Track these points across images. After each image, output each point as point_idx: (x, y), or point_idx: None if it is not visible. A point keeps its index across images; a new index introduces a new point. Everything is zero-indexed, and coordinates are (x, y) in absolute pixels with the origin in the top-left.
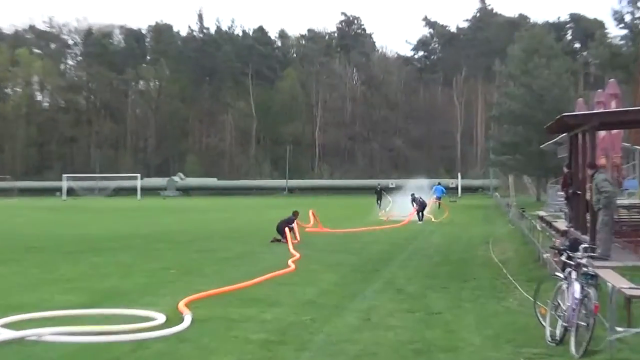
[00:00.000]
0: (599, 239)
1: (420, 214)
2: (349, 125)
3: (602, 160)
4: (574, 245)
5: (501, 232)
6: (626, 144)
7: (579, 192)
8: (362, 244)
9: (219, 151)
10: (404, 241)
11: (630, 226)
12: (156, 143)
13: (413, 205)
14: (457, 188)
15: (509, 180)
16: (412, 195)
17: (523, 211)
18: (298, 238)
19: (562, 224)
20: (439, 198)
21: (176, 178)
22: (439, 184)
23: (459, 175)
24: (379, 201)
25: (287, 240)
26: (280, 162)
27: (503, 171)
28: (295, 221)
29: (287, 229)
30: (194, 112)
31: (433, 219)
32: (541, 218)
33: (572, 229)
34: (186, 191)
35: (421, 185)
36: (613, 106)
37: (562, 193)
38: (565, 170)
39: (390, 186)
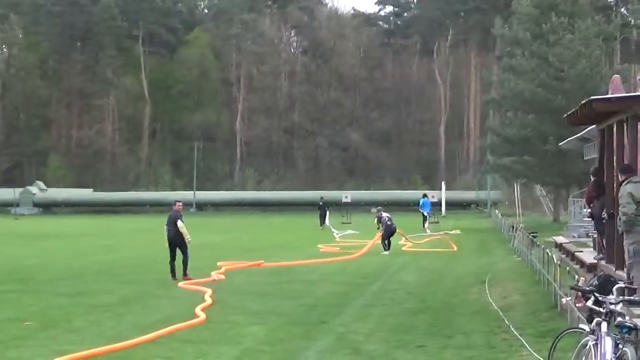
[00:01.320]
0: (634, 277)
1: (387, 241)
2: (284, 112)
3: None
4: (605, 286)
5: (502, 266)
6: None
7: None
8: (304, 284)
9: (95, 150)
10: (364, 279)
11: None
12: (3, 138)
13: (378, 227)
14: (440, 203)
15: (514, 192)
16: (378, 211)
17: (534, 236)
18: (188, 237)
19: (588, 255)
20: (426, 215)
21: (33, 189)
22: (425, 196)
23: (443, 184)
24: (323, 220)
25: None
26: (184, 166)
27: (506, 179)
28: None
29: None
30: (59, 93)
31: (405, 246)
32: (560, 246)
33: (602, 262)
34: (48, 207)
35: (400, 199)
36: None
37: (588, 210)
38: (593, 178)
39: (345, 200)
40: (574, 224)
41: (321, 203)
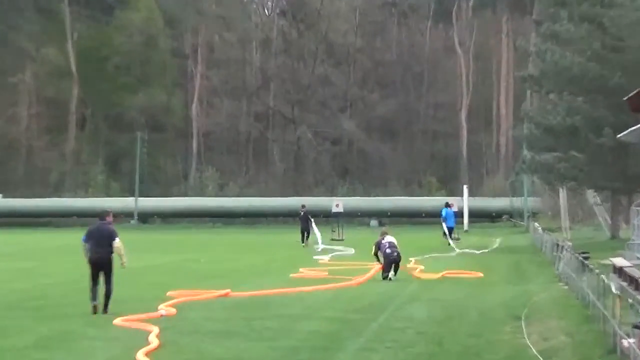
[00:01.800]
0: None
1: (394, 266)
2: (255, 93)
3: None
4: None
5: (543, 297)
6: None
7: None
8: (281, 321)
9: (6, 143)
10: (360, 314)
11: None
12: None
13: (378, 255)
14: (461, 214)
15: (559, 199)
16: (382, 233)
17: (585, 257)
18: (125, 260)
19: None
20: (450, 229)
21: None
22: (448, 205)
23: (465, 189)
24: (305, 235)
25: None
26: (123, 164)
27: (548, 182)
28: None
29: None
30: None
31: (415, 273)
32: (619, 271)
33: None
34: None
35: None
36: None
37: None
38: None
39: (335, 209)
40: (638, 242)
41: (302, 213)
